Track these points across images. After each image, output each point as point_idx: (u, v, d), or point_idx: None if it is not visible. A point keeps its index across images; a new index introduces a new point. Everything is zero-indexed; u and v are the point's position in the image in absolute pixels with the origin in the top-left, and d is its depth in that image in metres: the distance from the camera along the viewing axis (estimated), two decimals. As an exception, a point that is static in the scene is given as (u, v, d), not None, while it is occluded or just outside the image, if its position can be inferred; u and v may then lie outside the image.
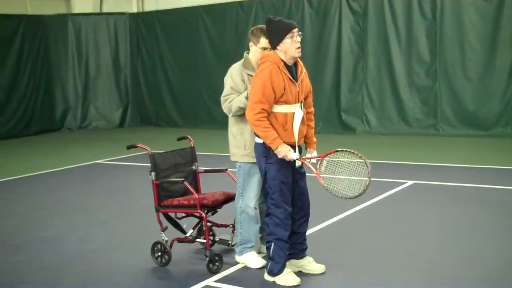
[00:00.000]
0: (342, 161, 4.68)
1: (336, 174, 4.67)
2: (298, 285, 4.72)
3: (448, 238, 5.87)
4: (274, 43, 4.68)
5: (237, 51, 14.21)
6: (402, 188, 8.08)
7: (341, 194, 4.64)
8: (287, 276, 4.75)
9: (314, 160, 4.83)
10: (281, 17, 4.79)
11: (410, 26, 13.21)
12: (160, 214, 5.34)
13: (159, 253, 5.31)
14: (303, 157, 4.75)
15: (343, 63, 13.99)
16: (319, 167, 4.71)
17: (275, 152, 4.60)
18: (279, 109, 4.65)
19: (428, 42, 13.08)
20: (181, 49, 16.24)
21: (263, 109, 4.58)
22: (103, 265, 5.42)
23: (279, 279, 4.75)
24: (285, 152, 4.58)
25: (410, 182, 8.35)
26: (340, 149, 4.69)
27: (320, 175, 4.68)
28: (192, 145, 5.69)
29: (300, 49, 4.66)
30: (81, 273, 5.24)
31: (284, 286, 4.71)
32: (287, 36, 4.61)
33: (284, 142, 4.63)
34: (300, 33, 4.67)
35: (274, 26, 4.67)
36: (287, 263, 4.83)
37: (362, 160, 4.59)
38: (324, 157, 4.72)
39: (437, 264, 5.15)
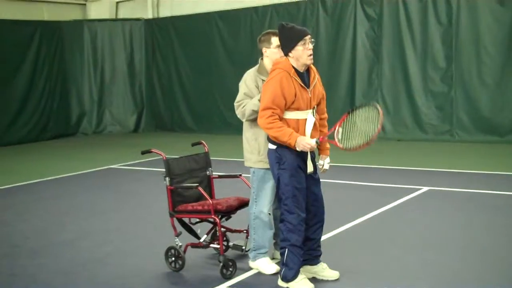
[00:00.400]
0: (354, 118, 4.62)
1: (353, 131, 4.60)
2: (312, 291, 4.71)
3: (465, 245, 5.82)
4: (286, 50, 4.68)
5: (252, 57, 14.20)
6: (417, 194, 8.03)
7: (363, 141, 4.55)
8: (301, 282, 4.73)
9: (324, 164, 4.83)
10: (294, 24, 4.78)
11: (426, 32, 13.16)
12: (174, 219, 5.35)
13: (173, 258, 5.31)
14: (321, 137, 4.71)
15: (357, 69, 13.96)
16: (336, 136, 4.64)
17: (295, 146, 4.57)
18: (290, 115, 4.65)
19: (443, 48, 13.01)
20: (195, 55, 16.29)
21: (273, 113, 4.59)
22: (117, 270, 5.44)
23: (293, 285, 4.73)
24: (303, 142, 4.55)
25: (425, 188, 8.31)
26: (349, 110, 4.65)
27: (338, 143, 4.62)
28: (206, 151, 5.70)
29: (312, 57, 4.65)
30: (96, 277, 5.26)
31: (298, 292, 4.70)
32: (299, 44, 4.61)
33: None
34: (312, 40, 4.67)
35: (286, 33, 4.67)
36: (301, 269, 4.82)
37: (371, 107, 4.57)
38: (338, 126, 4.64)
39: (454, 272, 5.11)
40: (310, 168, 4.72)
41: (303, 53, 4.61)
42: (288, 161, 4.65)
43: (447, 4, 12.88)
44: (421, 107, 13.30)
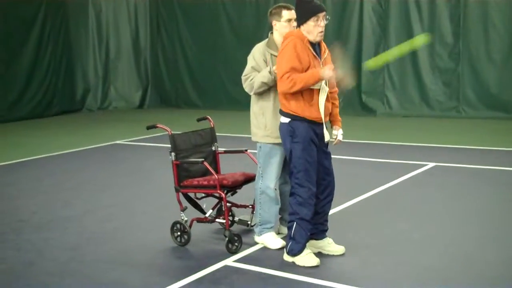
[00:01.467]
0: None
1: None
2: (318, 266, 4.71)
3: (470, 220, 5.82)
4: (299, 23, 4.70)
5: (257, 33, 14.15)
6: (424, 170, 8.02)
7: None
8: (307, 257, 4.74)
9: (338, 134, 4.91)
10: None
11: (434, 7, 13.04)
12: (180, 194, 5.35)
13: (179, 233, 5.32)
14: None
15: (364, 44, 13.86)
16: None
17: (323, 76, 4.57)
18: None
19: (451, 24, 12.91)
20: (201, 31, 16.18)
21: (291, 75, 4.58)
22: (123, 244, 5.46)
23: (298, 259, 4.74)
24: (326, 69, 4.58)
25: (431, 164, 8.29)
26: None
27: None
28: (212, 126, 5.68)
29: (322, 34, 4.69)
30: (102, 252, 5.28)
31: (304, 266, 4.70)
32: (312, 19, 4.62)
33: (310, 117, 4.64)
34: (328, 17, 4.68)
35: (302, 6, 4.69)
36: (307, 244, 4.82)
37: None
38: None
39: (458, 246, 5.11)
40: (327, 137, 4.75)
41: (314, 29, 4.64)
42: (301, 134, 4.65)
43: (455, -21, 12.77)
44: (428, 83, 13.23)
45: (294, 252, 4.76)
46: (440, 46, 13.05)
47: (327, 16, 4.68)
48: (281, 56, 4.67)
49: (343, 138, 5.01)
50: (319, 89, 4.68)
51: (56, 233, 5.83)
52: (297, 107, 4.66)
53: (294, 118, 4.68)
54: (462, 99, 12.96)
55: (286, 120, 4.73)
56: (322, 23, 4.65)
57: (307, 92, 4.65)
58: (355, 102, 13.97)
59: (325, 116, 4.73)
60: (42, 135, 12.65)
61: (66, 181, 8.18)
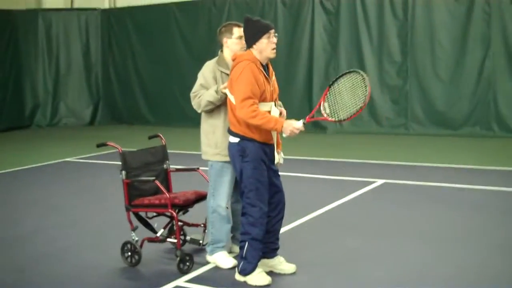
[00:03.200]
0: (339, 89, 4.75)
1: (340, 101, 4.71)
2: (269, 285, 4.73)
3: (419, 237, 5.93)
4: (250, 42, 4.73)
5: (210, 49, 14.14)
6: (373, 187, 8.14)
7: (355, 109, 4.63)
8: (258, 276, 4.75)
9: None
10: (258, 17, 4.85)
11: (382, 26, 13.32)
12: (131, 213, 5.30)
13: (129, 253, 5.27)
14: (308, 117, 4.78)
15: (315, 62, 14.03)
16: (323, 112, 4.77)
17: (282, 131, 4.61)
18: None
19: (399, 42, 13.20)
20: (153, 46, 16.12)
21: (254, 102, 4.60)
22: (73, 265, 5.37)
23: (250, 279, 4.75)
24: (291, 127, 4.60)
25: (380, 181, 8.42)
26: (330, 83, 4.80)
27: (329, 117, 4.74)
28: (164, 143, 5.66)
29: (275, 50, 4.74)
30: (51, 272, 5.18)
31: (255, 285, 4.72)
32: (264, 37, 4.68)
33: (260, 139, 4.68)
34: (276, 34, 4.75)
35: (252, 25, 4.73)
36: (259, 263, 4.83)
37: (353, 74, 4.73)
38: (321, 102, 4.78)
39: (408, 263, 5.21)
40: (277, 159, 4.78)
41: (267, 46, 4.69)
42: (252, 154, 4.68)
43: (403, -2, 13.10)
44: (377, 100, 13.45)
45: (246, 272, 4.77)
46: (389, 64, 13.33)
47: (276, 34, 4.75)
48: (240, 79, 4.64)
49: (284, 158, 5.06)
50: (270, 112, 4.73)
51: (3, 254, 5.70)
52: (247, 129, 4.69)
53: (243, 138, 4.71)
54: (410, 116, 13.23)
55: (235, 140, 4.75)
56: (274, 39, 4.72)
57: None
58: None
59: (277, 138, 4.79)
60: (-11, 152, 12.35)
61: (14, 200, 8.00)
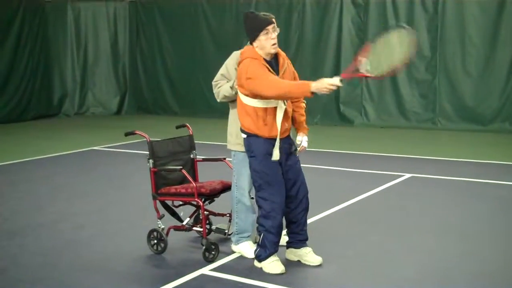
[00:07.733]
0: (387, 41, 4.47)
1: (381, 58, 4.43)
2: (283, 273, 4.74)
3: (445, 232, 5.86)
4: (250, 40, 4.69)
5: (237, 40, 14.14)
6: (400, 181, 8.07)
7: (396, 61, 4.41)
8: (272, 264, 4.78)
9: None
10: (259, 12, 4.71)
11: (411, 20, 13.16)
12: (157, 201, 5.32)
13: (155, 241, 5.29)
14: (343, 73, 4.58)
15: (343, 55, 13.93)
16: (362, 69, 4.48)
17: (315, 91, 4.44)
18: (259, 103, 4.61)
19: (429, 37, 13.05)
20: (180, 37, 16.15)
21: (270, 75, 4.50)
22: (99, 252, 5.40)
23: (265, 266, 4.80)
24: (323, 84, 4.43)
25: (407, 175, 8.35)
26: (372, 40, 4.51)
27: (367, 73, 4.48)
28: (191, 133, 5.66)
29: (276, 45, 4.64)
30: (77, 259, 5.22)
31: (269, 273, 4.76)
32: (262, 34, 4.60)
33: (265, 136, 4.62)
34: (277, 28, 4.65)
35: (249, 22, 4.68)
36: (288, 251, 4.92)
37: (399, 29, 4.48)
38: (360, 59, 4.48)
39: (434, 258, 5.15)
40: (275, 156, 4.66)
41: (266, 42, 4.60)
42: (257, 149, 4.67)
43: (434, -8, 12.94)
44: (405, 94, 13.35)
45: (260, 258, 4.81)
46: (418, 58, 13.17)
47: (277, 27, 4.64)
48: (242, 68, 4.59)
49: (308, 146, 5.01)
50: (275, 108, 4.64)
51: (30, 240, 5.76)
52: (253, 126, 4.66)
53: (249, 134, 4.70)
54: (439, 111, 13.11)
55: (244, 136, 4.78)
56: (273, 35, 4.61)
57: (264, 112, 4.62)
58: (333, 112, 14.04)
59: (281, 133, 4.68)
60: (18, 139, 12.51)
61: (41, 187, 8.09)
